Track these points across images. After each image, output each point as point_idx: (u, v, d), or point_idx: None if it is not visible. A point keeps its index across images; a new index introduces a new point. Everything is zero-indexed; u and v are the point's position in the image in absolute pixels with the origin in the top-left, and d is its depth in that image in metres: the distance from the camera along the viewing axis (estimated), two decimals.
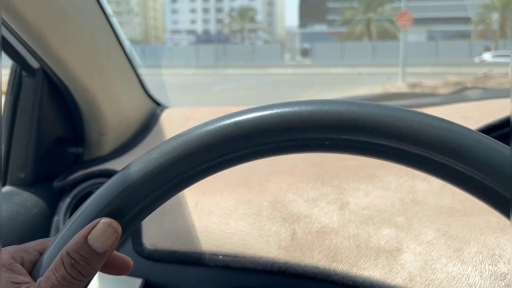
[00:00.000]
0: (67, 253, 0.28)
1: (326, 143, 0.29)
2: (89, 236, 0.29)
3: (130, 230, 0.31)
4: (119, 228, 0.29)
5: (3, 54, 0.64)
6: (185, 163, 0.30)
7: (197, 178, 0.30)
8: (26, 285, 0.27)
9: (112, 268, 0.34)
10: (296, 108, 0.29)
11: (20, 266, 0.29)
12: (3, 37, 0.61)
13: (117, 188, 0.30)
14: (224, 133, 0.29)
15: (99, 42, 0.70)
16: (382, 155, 0.29)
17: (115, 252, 0.34)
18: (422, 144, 0.28)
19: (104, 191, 0.30)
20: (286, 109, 0.29)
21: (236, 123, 0.29)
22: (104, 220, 0.29)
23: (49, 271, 0.28)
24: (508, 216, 0.27)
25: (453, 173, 0.28)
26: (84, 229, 0.29)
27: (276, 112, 0.29)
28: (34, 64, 0.68)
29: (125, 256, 0.35)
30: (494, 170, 0.26)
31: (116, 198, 0.30)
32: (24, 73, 0.69)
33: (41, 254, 0.31)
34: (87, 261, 0.28)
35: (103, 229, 0.29)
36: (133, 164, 0.31)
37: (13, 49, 0.64)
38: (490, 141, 0.27)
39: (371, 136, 0.28)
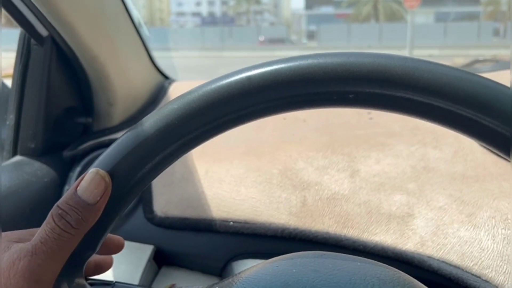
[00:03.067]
0: (57, 205, 0.28)
1: (350, 96, 0.28)
2: (78, 187, 0.28)
3: (148, 182, 0.30)
4: (107, 177, 0.28)
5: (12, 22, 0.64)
6: (210, 113, 0.29)
7: (220, 130, 0.30)
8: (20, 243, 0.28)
9: (106, 248, 0.34)
10: (320, 60, 0.29)
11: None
12: (11, 3, 0.61)
13: (140, 136, 0.29)
14: (247, 84, 0.29)
15: (108, 9, 0.69)
16: (407, 109, 0.28)
17: (109, 235, 0.33)
18: (449, 97, 0.27)
19: (126, 138, 0.30)
20: (310, 61, 0.29)
21: (260, 74, 0.29)
22: (91, 169, 0.28)
23: (41, 226, 0.28)
24: (508, 156, 0.26)
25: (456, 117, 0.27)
26: (75, 181, 0.28)
27: (299, 64, 0.29)
28: (43, 31, 0.67)
29: (118, 237, 0.35)
30: (494, 109, 0.26)
31: (139, 146, 0.29)
32: (32, 41, 0.69)
33: None
34: (75, 211, 0.27)
35: (91, 178, 0.28)
36: (151, 116, 0.30)
37: (22, 15, 0.63)
38: (488, 81, 0.27)
39: (397, 90, 0.28)
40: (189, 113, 0.29)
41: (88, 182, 0.28)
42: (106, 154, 0.30)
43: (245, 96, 0.29)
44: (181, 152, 0.31)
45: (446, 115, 0.28)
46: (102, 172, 0.28)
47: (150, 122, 0.30)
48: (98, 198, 0.28)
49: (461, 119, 0.28)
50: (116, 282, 0.33)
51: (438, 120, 0.29)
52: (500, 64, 0.96)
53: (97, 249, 0.31)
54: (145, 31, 0.90)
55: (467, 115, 0.27)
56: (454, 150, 0.62)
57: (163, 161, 0.30)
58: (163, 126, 0.29)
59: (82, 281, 0.30)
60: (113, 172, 0.29)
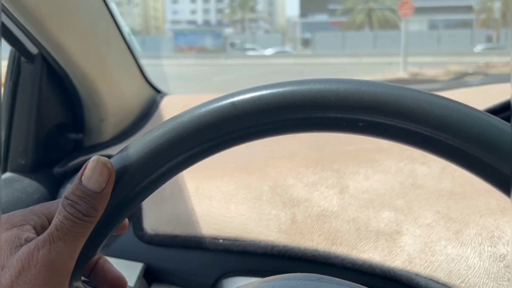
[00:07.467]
0: (65, 197, 0.28)
1: (360, 124, 0.28)
2: (82, 177, 0.28)
3: (142, 200, 0.31)
4: (109, 163, 0.29)
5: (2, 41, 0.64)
6: (209, 132, 0.29)
7: (214, 151, 0.30)
8: (34, 240, 0.28)
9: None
10: (333, 86, 0.29)
11: (30, 227, 0.29)
12: (1, 22, 0.61)
13: (126, 162, 0.29)
14: (232, 109, 0.29)
15: (98, 27, 0.70)
16: (415, 142, 0.28)
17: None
18: (454, 132, 0.27)
19: (133, 148, 0.30)
20: (323, 86, 0.29)
21: (263, 96, 0.29)
22: (92, 158, 0.29)
23: (54, 217, 0.28)
24: (508, 194, 0.27)
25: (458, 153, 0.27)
26: (79, 172, 0.29)
27: (312, 88, 0.29)
28: (33, 49, 0.67)
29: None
30: (494, 147, 0.26)
31: (125, 172, 0.29)
32: (22, 59, 0.69)
33: (47, 218, 0.30)
34: (84, 200, 0.28)
35: (93, 166, 0.28)
36: (137, 142, 0.30)
37: (12, 34, 0.64)
38: (490, 118, 0.27)
39: (408, 122, 0.28)
40: (184, 135, 0.29)
41: (92, 170, 0.28)
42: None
43: (230, 120, 0.29)
44: (168, 177, 0.31)
45: (455, 152, 0.28)
46: (103, 159, 0.29)
47: (136, 147, 0.30)
48: (104, 185, 0.28)
49: (466, 156, 0.27)
50: None
51: (446, 156, 0.28)
52: (488, 78, 0.97)
53: (96, 254, 0.31)
54: (136, 45, 0.91)
55: (471, 152, 0.27)
56: (442, 166, 0.63)
57: (148, 187, 0.31)
58: (151, 150, 0.30)
59: (79, 284, 0.30)
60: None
